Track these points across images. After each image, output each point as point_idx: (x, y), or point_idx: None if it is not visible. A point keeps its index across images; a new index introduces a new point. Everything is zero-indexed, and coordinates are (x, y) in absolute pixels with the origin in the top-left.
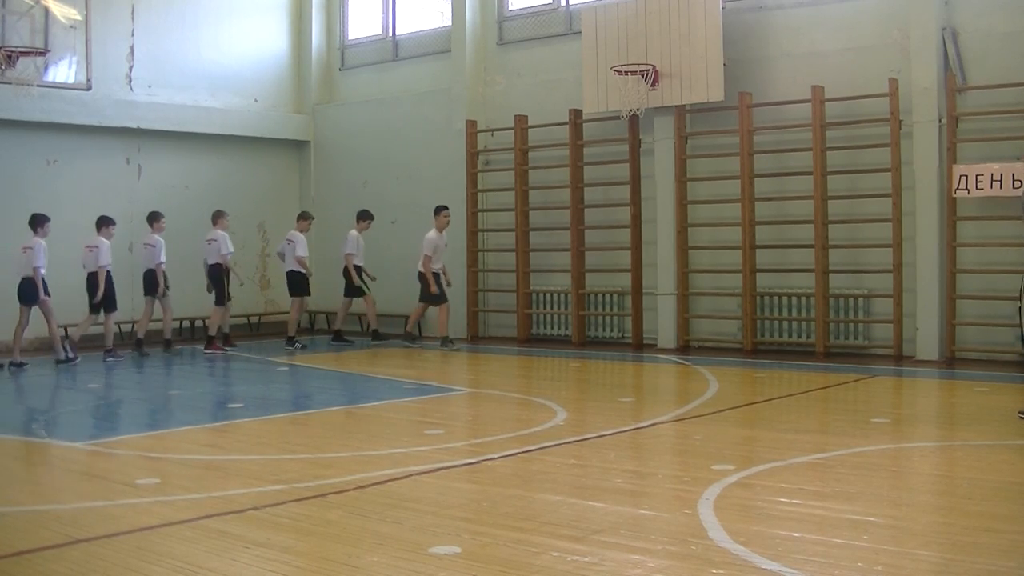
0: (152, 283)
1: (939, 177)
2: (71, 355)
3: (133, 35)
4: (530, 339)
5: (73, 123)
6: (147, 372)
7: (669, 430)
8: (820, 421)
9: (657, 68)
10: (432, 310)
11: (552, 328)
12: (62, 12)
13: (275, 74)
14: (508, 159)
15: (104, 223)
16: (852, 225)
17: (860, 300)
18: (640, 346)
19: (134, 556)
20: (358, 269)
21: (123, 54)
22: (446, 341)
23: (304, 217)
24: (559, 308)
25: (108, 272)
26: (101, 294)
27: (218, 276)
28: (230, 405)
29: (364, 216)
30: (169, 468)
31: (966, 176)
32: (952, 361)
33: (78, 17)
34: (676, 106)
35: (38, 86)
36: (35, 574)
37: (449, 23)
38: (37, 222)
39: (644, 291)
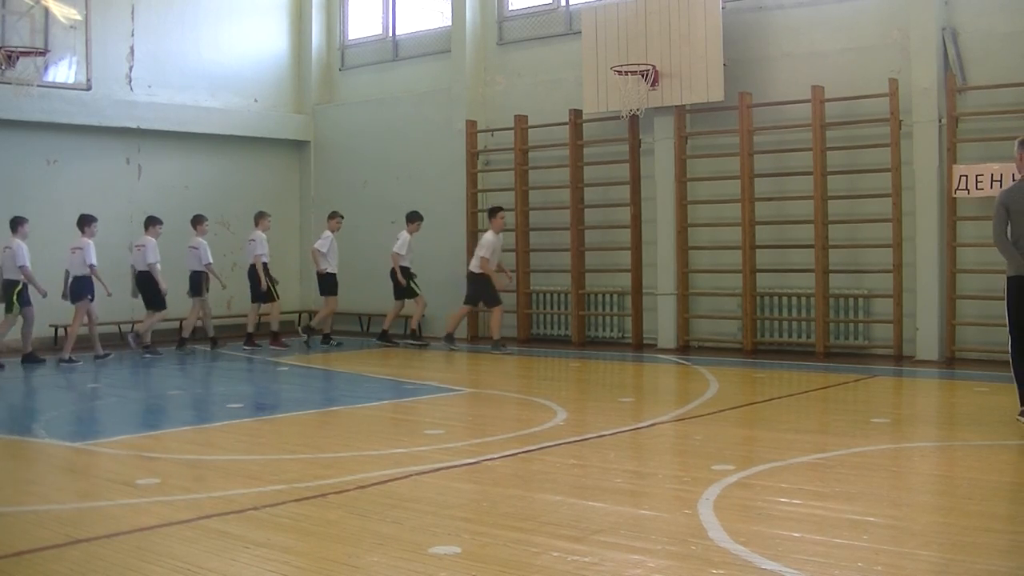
0: (197, 284)
1: (939, 177)
2: (75, 358)
3: (133, 35)
4: (530, 339)
5: (73, 123)
6: (148, 372)
7: (669, 430)
8: (820, 421)
9: (657, 68)
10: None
11: (552, 328)
12: (62, 12)
13: (275, 74)
14: (508, 159)
15: (152, 223)
16: (852, 225)
17: (860, 300)
18: (640, 346)
19: (134, 556)
20: (406, 271)
21: (123, 54)
22: (498, 344)
23: (332, 216)
24: (559, 308)
25: (157, 269)
26: (163, 288)
27: (253, 276)
28: (230, 405)
29: (414, 217)
30: (169, 468)
31: (966, 176)
32: (952, 361)
33: (78, 17)
34: (676, 106)
35: (38, 86)
36: (35, 574)
37: (449, 23)
38: (84, 222)
39: (644, 291)
